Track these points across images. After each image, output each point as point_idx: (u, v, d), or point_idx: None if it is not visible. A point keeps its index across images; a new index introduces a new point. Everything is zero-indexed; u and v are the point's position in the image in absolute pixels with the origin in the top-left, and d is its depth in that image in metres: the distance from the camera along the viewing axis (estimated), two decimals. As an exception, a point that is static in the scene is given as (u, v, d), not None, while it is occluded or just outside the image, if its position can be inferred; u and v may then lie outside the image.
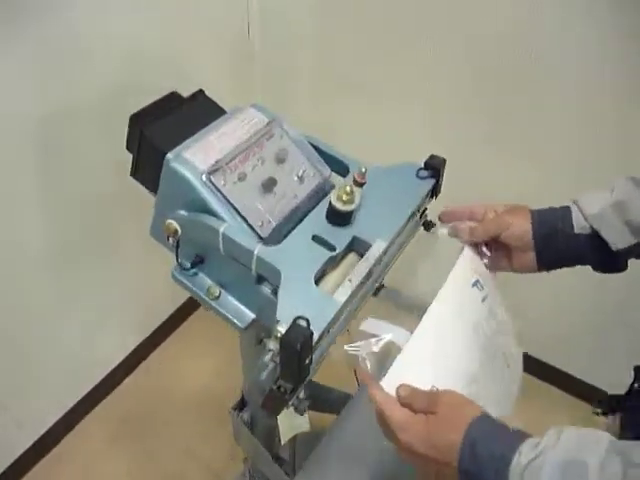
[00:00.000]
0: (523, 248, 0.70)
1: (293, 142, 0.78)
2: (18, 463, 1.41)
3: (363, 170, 0.70)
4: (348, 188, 0.68)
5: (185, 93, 0.83)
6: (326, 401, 1.21)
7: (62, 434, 1.52)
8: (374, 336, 0.65)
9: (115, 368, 1.63)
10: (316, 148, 0.82)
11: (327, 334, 0.63)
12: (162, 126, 0.76)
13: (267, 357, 0.61)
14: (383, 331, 0.65)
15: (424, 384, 0.58)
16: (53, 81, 1.06)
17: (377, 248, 0.70)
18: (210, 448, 1.53)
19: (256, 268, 0.68)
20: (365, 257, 0.69)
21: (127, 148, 0.80)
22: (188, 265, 0.76)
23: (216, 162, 0.70)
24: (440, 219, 0.78)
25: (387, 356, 0.64)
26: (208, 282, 0.78)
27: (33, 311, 1.30)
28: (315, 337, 0.60)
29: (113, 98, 1.16)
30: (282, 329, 0.59)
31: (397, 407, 0.56)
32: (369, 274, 0.69)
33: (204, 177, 0.69)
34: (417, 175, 0.81)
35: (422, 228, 0.84)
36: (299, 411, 0.68)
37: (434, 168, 0.80)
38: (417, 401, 0.56)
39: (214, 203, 0.69)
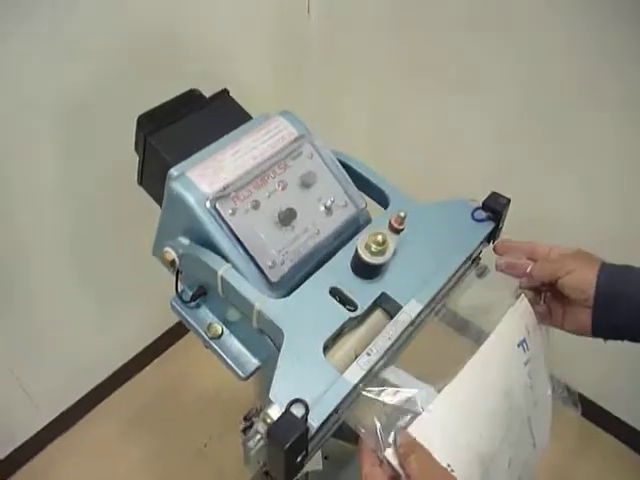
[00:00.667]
0: (580, 303, 0.58)
1: (325, 163, 0.65)
2: (30, 443, 1.39)
3: (402, 215, 0.57)
4: (380, 237, 0.55)
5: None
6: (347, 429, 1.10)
7: (75, 420, 1.48)
8: (394, 386, 0.54)
9: (131, 360, 1.57)
10: (351, 170, 0.69)
11: (329, 420, 0.51)
12: (171, 133, 0.64)
13: (253, 441, 0.50)
14: (406, 384, 0.54)
15: (441, 457, 0.48)
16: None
17: (410, 311, 0.57)
18: (223, 450, 1.46)
19: (257, 323, 0.56)
20: (392, 322, 0.56)
21: (135, 150, 0.69)
22: (188, 297, 0.66)
23: (225, 187, 0.58)
24: (495, 250, 0.66)
25: (400, 413, 0.52)
26: (210, 318, 0.67)
27: (51, 295, 1.25)
28: (313, 429, 0.48)
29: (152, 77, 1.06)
30: (273, 414, 0.48)
31: None
32: (396, 342, 0.56)
33: (208, 204, 0.57)
34: (472, 216, 0.66)
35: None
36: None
37: (494, 210, 0.65)
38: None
39: (217, 236, 0.58)
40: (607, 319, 0.57)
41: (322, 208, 0.63)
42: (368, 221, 0.67)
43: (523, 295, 0.62)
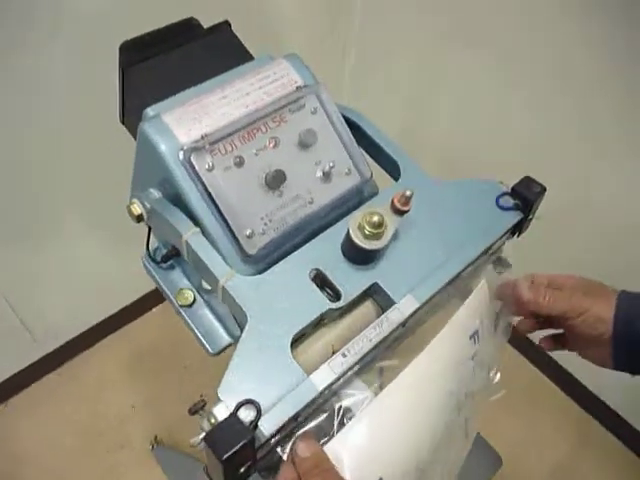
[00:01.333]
0: (597, 342, 0.50)
1: (330, 121, 0.55)
2: (25, 372, 1.38)
3: (408, 194, 0.47)
4: (376, 219, 0.45)
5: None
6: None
7: (69, 357, 1.46)
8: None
9: (134, 303, 1.53)
10: (360, 131, 0.59)
11: (286, 428, 0.43)
12: (155, 66, 0.55)
13: (197, 439, 0.43)
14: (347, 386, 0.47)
15: (371, 470, 0.43)
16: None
17: (403, 309, 0.48)
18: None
19: (223, 300, 0.48)
20: (378, 320, 0.47)
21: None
22: (159, 258, 0.58)
23: (204, 137, 0.49)
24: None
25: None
26: (183, 283, 0.60)
27: (59, 230, 1.20)
28: (262, 438, 0.40)
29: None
30: (218, 414, 0.40)
31: None
32: (382, 342, 0.47)
33: (182, 155, 0.48)
34: (497, 202, 0.56)
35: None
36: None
37: (525, 198, 0.55)
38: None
39: (190, 194, 0.49)
40: (630, 357, 0.50)
41: (319, 174, 0.54)
42: (374, 194, 0.58)
43: (484, 281, 0.54)
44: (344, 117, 0.56)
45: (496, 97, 1.19)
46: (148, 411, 1.42)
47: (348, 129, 0.55)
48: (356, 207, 0.56)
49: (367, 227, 0.46)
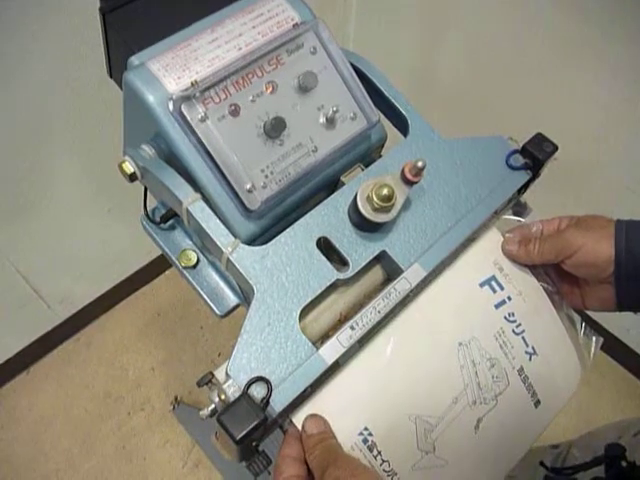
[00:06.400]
0: (598, 280, 0.48)
1: (331, 62, 0.51)
2: (44, 339, 1.39)
3: (420, 165, 0.43)
4: (386, 191, 0.42)
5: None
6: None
7: (86, 323, 1.47)
8: None
9: (154, 260, 1.52)
10: (364, 80, 0.54)
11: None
12: (138, 10, 0.50)
13: (206, 411, 0.41)
14: None
15: (356, 422, 0.42)
16: None
17: (410, 278, 0.45)
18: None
19: (228, 271, 0.45)
20: (386, 291, 0.44)
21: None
22: (158, 219, 0.55)
23: (194, 84, 0.45)
24: None
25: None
26: (186, 243, 0.57)
27: (68, 198, 1.17)
28: (274, 414, 0.38)
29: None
30: (229, 392, 0.38)
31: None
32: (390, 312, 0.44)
33: (171, 105, 0.44)
34: (507, 161, 0.52)
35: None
36: (253, 471, 0.48)
37: (536, 158, 0.51)
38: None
39: (183, 148, 0.45)
40: (636, 293, 0.46)
41: (322, 119, 0.50)
42: (382, 139, 0.54)
43: (495, 228, 0.51)
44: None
45: (511, 35, 1.12)
46: (167, 372, 1.43)
47: (352, 70, 0.51)
48: (364, 155, 0.52)
49: (376, 200, 0.42)
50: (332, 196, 0.48)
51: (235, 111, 0.46)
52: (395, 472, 0.43)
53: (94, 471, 1.29)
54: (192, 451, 1.33)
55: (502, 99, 1.21)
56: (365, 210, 0.43)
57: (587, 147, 1.09)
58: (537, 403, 0.50)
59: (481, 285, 0.49)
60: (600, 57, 0.98)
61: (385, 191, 0.42)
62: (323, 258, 0.44)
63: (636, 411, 1.36)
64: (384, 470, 0.43)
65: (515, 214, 0.56)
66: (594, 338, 0.53)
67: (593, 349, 0.53)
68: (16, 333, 1.35)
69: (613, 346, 1.36)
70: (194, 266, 0.56)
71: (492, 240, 0.52)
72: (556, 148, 0.51)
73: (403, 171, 0.44)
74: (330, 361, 0.40)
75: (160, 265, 1.55)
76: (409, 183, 0.44)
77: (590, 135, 1.08)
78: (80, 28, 0.92)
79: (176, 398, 1.38)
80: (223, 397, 0.38)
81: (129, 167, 0.49)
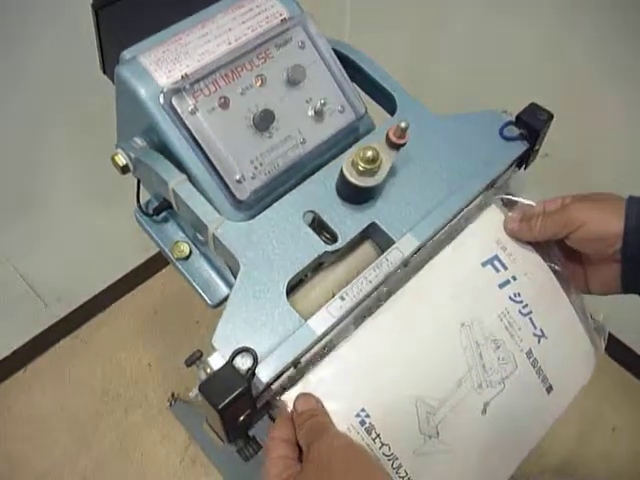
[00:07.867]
0: (602, 257, 0.46)
1: (319, 56, 0.52)
2: (41, 337, 1.39)
3: (403, 126, 0.44)
4: (370, 154, 0.43)
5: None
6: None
7: (84, 320, 1.47)
8: None
9: (152, 257, 1.53)
10: (351, 64, 0.55)
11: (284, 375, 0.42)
12: (129, 5, 0.51)
13: (195, 391, 0.42)
14: None
15: (352, 403, 0.41)
16: None
17: (403, 248, 0.45)
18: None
19: (214, 249, 0.46)
20: (377, 261, 0.45)
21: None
22: (151, 211, 0.56)
23: (185, 78, 0.46)
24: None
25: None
26: (179, 235, 0.58)
27: (65, 197, 1.18)
28: (261, 386, 0.39)
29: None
30: (214, 364, 0.39)
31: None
32: (382, 283, 0.45)
33: (162, 98, 0.46)
34: (501, 133, 0.53)
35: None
36: (243, 455, 0.49)
37: (531, 127, 0.52)
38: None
39: (173, 140, 0.47)
40: None
41: (311, 112, 0.51)
42: (370, 131, 0.55)
43: (494, 205, 0.50)
44: (335, 51, 0.53)
45: (511, 35, 1.12)
46: (163, 369, 1.44)
47: (339, 63, 0.52)
48: (352, 146, 0.53)
49: (361, 163, 0.43)
50: (319, 172, 0.49)
51: (225, 104, 0.47)
52: (396, 457, 0.41)
53: (91, 468, 1.30)
54: (189, 447, 1.34)
55: (500, 99, 1.22)
56: (350, 175, 0.43)
57: (587, 147, 1.10)
58: (549, 389, 0.48)
59: (483, 264, 0.48)
60: (600, 57, 0.99)
61: (369, 153, 0.43)
62: (310, 231, 0.45)
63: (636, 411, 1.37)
64: (384, 454, 0.41)
65: (503, 202, 0.56)
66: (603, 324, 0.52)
67: (605, 333, 0.52)
68: (13, 331, 1.35)
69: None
70: (186, 258, 0.57)
71: (493, 220, 0.50)
72: (551, 116, 0.51)
73: (387, 135, 0.45)
74: (319, 331, 0.40)
75: (156, 263, 1.55)
76: (394, 146, 0.45)
77: (590, 135, 1.09)
78: (77, 25, 0.93)
79: (173, 395, 1.39)
80: (209, 370, 0.39)
81: (121, 159, 0.50)
